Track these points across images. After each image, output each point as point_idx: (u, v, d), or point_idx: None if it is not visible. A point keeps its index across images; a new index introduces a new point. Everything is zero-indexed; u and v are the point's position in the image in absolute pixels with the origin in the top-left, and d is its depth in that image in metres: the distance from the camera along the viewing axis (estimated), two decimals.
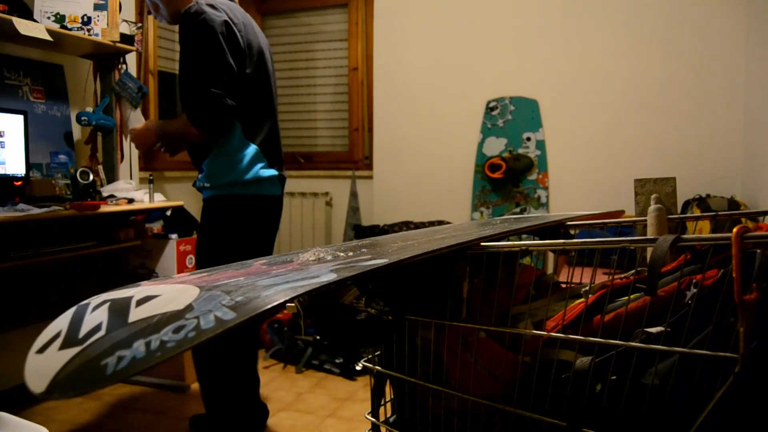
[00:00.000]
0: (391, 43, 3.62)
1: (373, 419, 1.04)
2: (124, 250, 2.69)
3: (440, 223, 3.33)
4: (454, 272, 0.92)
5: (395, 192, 3.62)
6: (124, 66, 2.79)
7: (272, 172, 1.97)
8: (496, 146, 3.40)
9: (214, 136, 1.88)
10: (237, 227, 1.94)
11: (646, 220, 1.09)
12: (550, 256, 3.05)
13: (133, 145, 1.84)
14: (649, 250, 0.71)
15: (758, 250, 0.61)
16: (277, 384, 2.70)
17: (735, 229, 0.60)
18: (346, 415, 2.38)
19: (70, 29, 2.47)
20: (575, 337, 0.77)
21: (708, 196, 2.82)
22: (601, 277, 0.89)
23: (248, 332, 2.10)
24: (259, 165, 1.93)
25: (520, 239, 1.23)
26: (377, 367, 1.02)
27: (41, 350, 0.55)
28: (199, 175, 1.99)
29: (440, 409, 0.94)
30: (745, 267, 0.60)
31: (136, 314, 0.59)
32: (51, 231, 2.29)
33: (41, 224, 2.17)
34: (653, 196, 1.11)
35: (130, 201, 2.48)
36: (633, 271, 0.90)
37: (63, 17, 2.49)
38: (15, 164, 2.28)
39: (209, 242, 1.98)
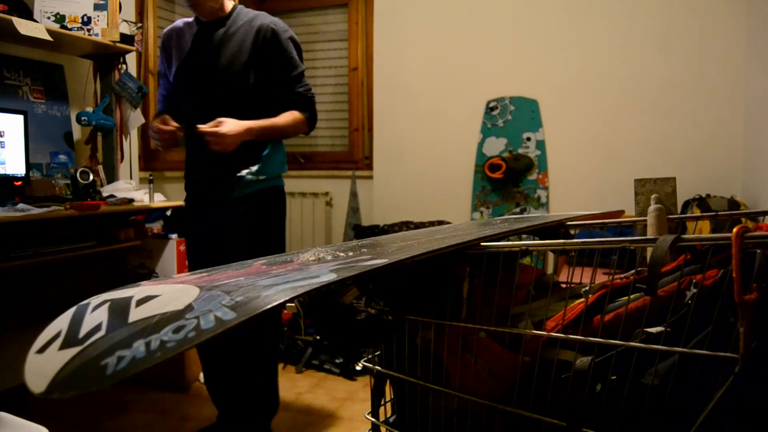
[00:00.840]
0: (391, 43, 3.62)
1: (373, 419, 1.04)
2: (124, 250, 2.69)
3: (440, 223, 3.33)
4: (454, 272, 0.92)
5: (395, 192, 3.62)
6: (124, 66, 2.79)
7: None
8: (496, 146, 3.40)
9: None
10: (284, 219, 2.07)
11: (646, 220, 1.09)
12: (550, 256, 3.05)
13: (217, 147, 1.76)
14: (649, 250, 0.71)
15: (758, 250, 0.61)
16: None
17: (735, 229, 0.60)
18: (346, 415, 2.38)
19: (70, 29, 2.47)
20: (575, 337, 0.77)
21: (708, 196, 2.82)
22: (601, 277, 0.89)
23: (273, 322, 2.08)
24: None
25: (520, 239, 1.23)
26: (377, 367, 1.02)
27: (41, 350, 0.55)
28: (253, 168, 1.91)
29: (440, 409, 0.94)
30: (745, 267, 0.60)
31: (136, 314, 0.59)
32: (51, 231, 2.29)
33: (41, 224, 2.17)
34: (653, 196, 1.11)
35: (130, 201, 2.48)
36: (633, 271, 0.90)
37: (63, 17, 2.49)
38: (15, 164, 2.28)
39: (268, 236, 1.98)
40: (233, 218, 1.92)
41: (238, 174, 1.90)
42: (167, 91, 2.04)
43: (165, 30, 2.04)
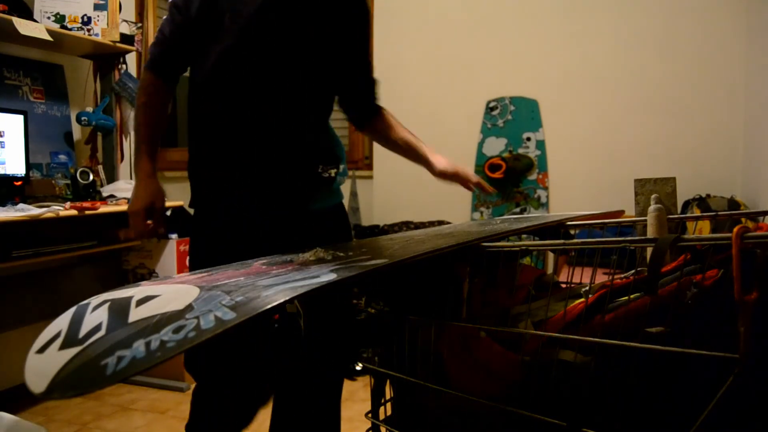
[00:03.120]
0: (391, 43, 3.62)
1: (373, 419, 1.04)
2: (124, 250, 2.69)
3: (440, 223, 3.33)
4: (454, 272, 0.92)
5: (395, 192, 3.62)
6: (124, 66, 2.79)
7: None
8: (496, 146, 3.40)
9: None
10: None
11: (646, 220, 1.09)
12: (550, 256, 3.05)
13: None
14: (649, 250, 0.71)
15: (758, 250, 0.61)
16: None
17: (735, 229, 0.60)
18: (346, 415, 2.37)
19: (70, 29, 2.47)
20: (575, 337, 0.77)
21: (708, 196, 2.82)
22: (601, 277, 0.89)
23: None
24: None
25: (520, 239, 1.23)
26: (377, 368, 1.02)
27: (41, 350, 0.55)
28: (340, 167, 1.42)
29: (440, 409, 0.94)
30: (745, 267, 0.60)
31: (136, 314, 0.59)
32: (51, 231, 2.28)
33: (41, 224, 2.17)
34: (653, 196, 1.11)
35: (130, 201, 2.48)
36: (633, 271, 0.90)
37: (63, 17, 2.49)
38: (15, 164, 2.28)
39: None
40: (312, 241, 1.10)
41: (324, 175, 1.35)
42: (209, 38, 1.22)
43: None
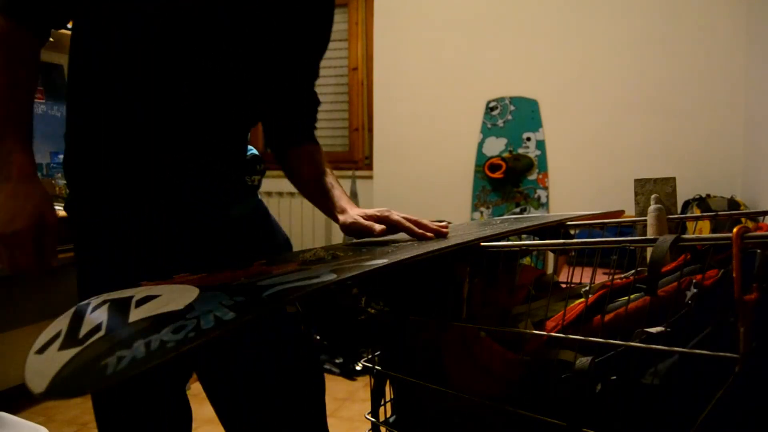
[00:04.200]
0: (391, 43, 3.62)
1: (373, 419, 1.04)
2: None
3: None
4: (454, 272, 0.92)
5: (395, 192, 3.62)
6: None
7: None
8: (496, 146, 3.40)
9: None
10: None
11: (646, 220, 1.09)
12: (550, 256, 3.05)
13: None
14: (649, 250, 0.71)
15: (758, 250, 0.61)
16: None
17: (735, 229, 0.60)
18: (346, 415, 2.38)
19: (70, 29, 2.47)
20: (575, 337, 0.77)
21: (708, 196, 2.82)
22: (601, 277, 0.89)
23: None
24: None
25: (520, 239, 1.23)
26: (377, 367, 1.02)
27: (41, 350, 0.55)
28: (263, 170, 1.29)
29: (440, 409, 0.94)
30: (745, 267, 0.60)
31: (136, 314, 0.59)
32: None
33: None
34: (653, 196, 1.11)
35: None
36: (633, 271, 0.90)
37: None
38: None
39: None
40: (228, 251, 1.05)
41: (249, 183, 1.24)
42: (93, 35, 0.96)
43: None
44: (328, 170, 1.18)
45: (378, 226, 1.02)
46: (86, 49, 0.97)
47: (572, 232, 1.23)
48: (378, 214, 1.04)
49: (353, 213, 1.07)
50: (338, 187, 1.15)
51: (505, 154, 3.36)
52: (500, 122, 3.40)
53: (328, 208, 1.13)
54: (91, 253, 1.04)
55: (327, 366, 2.85)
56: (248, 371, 1.05)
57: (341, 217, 1.09)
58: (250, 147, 1.29)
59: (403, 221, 1.02)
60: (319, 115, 1.26)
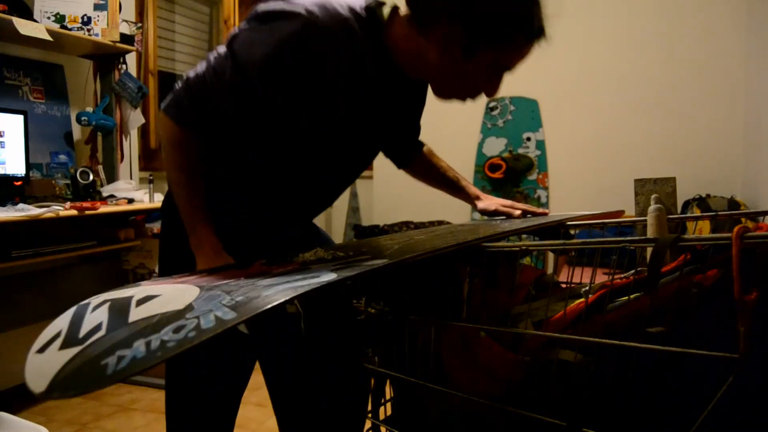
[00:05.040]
0: None
1: (373, 419, 1.04)
2: (124, 250, 2.69)
3: (440, 223, 3.33)
4: (454, 272, 0.92)
5: (395, 192, 3.62)
6: (124, 66, 2.79)
7: None
8: (496, 146, 3.40)
9: None
10: None
11: (646, 220, 1.09)
12: (550, 256, 3.05)
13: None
14: (649, 250, 0.71)
15: (758, 250, 0.61)
16: None
17: (735, 229, 0.60)
18: None
19: (70, 29, 2.47)
20: (575, 337, 0.77)
21: (708, 196, 2.82)
22: (601, 277, 0.89)
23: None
24: None
25: (520, 239, 1.23)
26: (377, 368, 1.02)
27: (41, 350, 0.55)
28: None
29: (440, 409, 0.94)
30: (745, 267, 0.60)
31: (136, 314, 0.59)
32: (51, 231, 2.28)
33: (41, 224, 2.17)
34: (653, 196, 1.11)
35: (130, 201, 2.48)
36: (633, 271, 0.90)
37: (63, 17, 2.49)
38: (15, 164, 2.28)
39: None
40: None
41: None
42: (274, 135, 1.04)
43: (315, 26, 0.92)
44: (446, 164, 1.48)
45: (516, 211, 1.31)
46: (245, 144, 1.06)
47: (572, 232, 1.23)
48: (508, 203, 1.36)
49: (489, 201, 1.40)
50: (462, 178, 1.46)
51: (505, 154, 3.36)
52: (500, 122, 3.40)
53: (464, 195, 1.45)
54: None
55: None
56: (305, 359, 1.14)
57: (480, 204, 1.40)
58: None
59: (528, 207, 1.32)
60: None
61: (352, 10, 0.97)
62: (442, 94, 1.07)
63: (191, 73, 0.97)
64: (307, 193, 1.15)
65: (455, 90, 1.07)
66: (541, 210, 1.32)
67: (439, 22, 0.94)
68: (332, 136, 1.03)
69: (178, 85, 0.99)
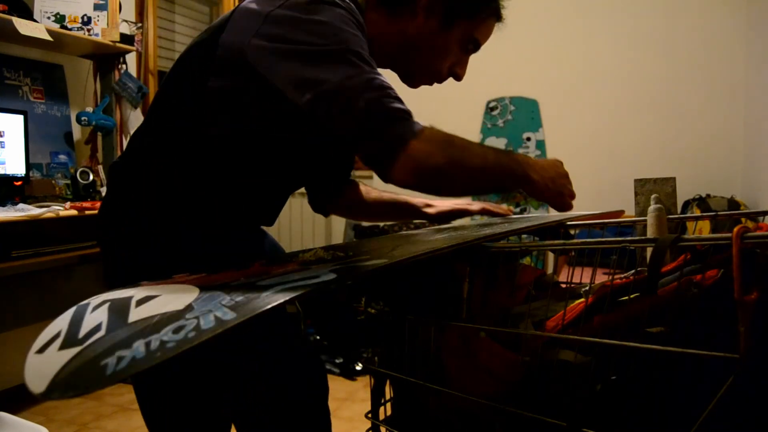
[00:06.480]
0: None
1: (373, 419, 1.04)
2: None
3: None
4: (454, 272, 0.92)
5: (395, 192, 3.62)
6: (124, 66, 2.79)
7: None
8: (496, 146, 3.40)
9: None
10: None
11: (646, 220, 1.09)
12: (550, 256, 3.05)
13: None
14: (649, 250, 0.71)
15: (758, 250, 0.61)
16: None
17: (735, 229, 0.60)
18: (346, 415, 2.38)
19: (70, 29, 2.47)
20: (575, 337, 0.77)
21: (708, 196, 2.82)
22: (601, 277, 0.89)
23: None
24: None
25: (520, 239, 1.23)
26: (377, 368, 1.02)
27: (41, 350, 0.55)
28: None
29: (440, 409, 0.94)
30: (745, 267, 0.60)
31: (136, 314, 0.59)
32: (51, 231, 2.29)
33: (41, 224, 2.17)
34: (653, 196, 1.11)
35: None
36: (633, 271, 0.90)
37: (63, 17, 2.49)
38: (15, 164, 2.28)
39: None
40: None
41: None
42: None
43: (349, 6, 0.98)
44: (377, 190, 1.37)
45: (474, 207, 1.28)
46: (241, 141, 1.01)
47: (572, 232, 1.23)
48: (462, 201, 1.29)
49: (440, 204, 1.30)
50: (400, 193, 1.30)
51: None
52: (500, 122, 3.40)
53: (411, 211, 1.33)
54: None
55: (327, 366, 2.85)
56: (253, 372, 1.04)
57: (430, 210, 1.30)
58: None
59: (486, 206, 1.29)
60: None
61: None
62: (413, 76, 1.13)
63: (342, 95, 0.88)
64: (270, 197, 1.12)
65: (426, 68, 1.11)
66: (502, 209, 1.31)
67: None
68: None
69: (363, 112, 0.91)
